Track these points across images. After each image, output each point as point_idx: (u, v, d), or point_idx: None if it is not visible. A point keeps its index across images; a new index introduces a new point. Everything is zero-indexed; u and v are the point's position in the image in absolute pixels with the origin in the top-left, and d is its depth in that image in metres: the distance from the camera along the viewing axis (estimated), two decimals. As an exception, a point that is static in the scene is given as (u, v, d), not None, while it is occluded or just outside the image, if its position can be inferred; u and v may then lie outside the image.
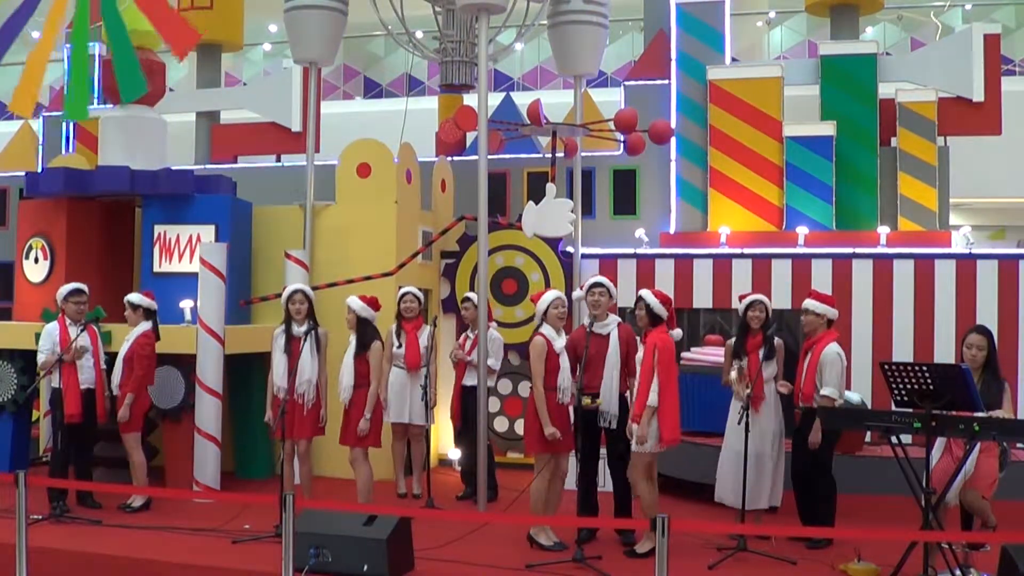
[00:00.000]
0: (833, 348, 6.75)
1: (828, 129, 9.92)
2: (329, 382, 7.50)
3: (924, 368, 5.58)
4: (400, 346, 8.22)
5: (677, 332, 6.62)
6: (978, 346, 6.07)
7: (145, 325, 7.86)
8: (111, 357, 7.97)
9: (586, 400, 6.56)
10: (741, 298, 7.29)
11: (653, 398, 6.34)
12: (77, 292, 7.84)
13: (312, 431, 7.38)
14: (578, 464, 6.77)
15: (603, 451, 6.99)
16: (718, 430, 7.50)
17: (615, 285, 7.06)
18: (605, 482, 7.13)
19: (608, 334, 6.77)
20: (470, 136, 10.56)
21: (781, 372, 7.04)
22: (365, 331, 7.31)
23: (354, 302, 7.36)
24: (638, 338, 6.73)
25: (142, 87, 8.77)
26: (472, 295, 8.40)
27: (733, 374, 7.01)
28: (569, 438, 6.59)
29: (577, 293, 7.16)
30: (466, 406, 8.14)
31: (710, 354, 8.69)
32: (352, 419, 7.25)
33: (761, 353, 6.95)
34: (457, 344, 8.46)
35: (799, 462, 6.92)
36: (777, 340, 7.03)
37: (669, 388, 6.38)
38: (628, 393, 6.74)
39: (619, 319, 6.86)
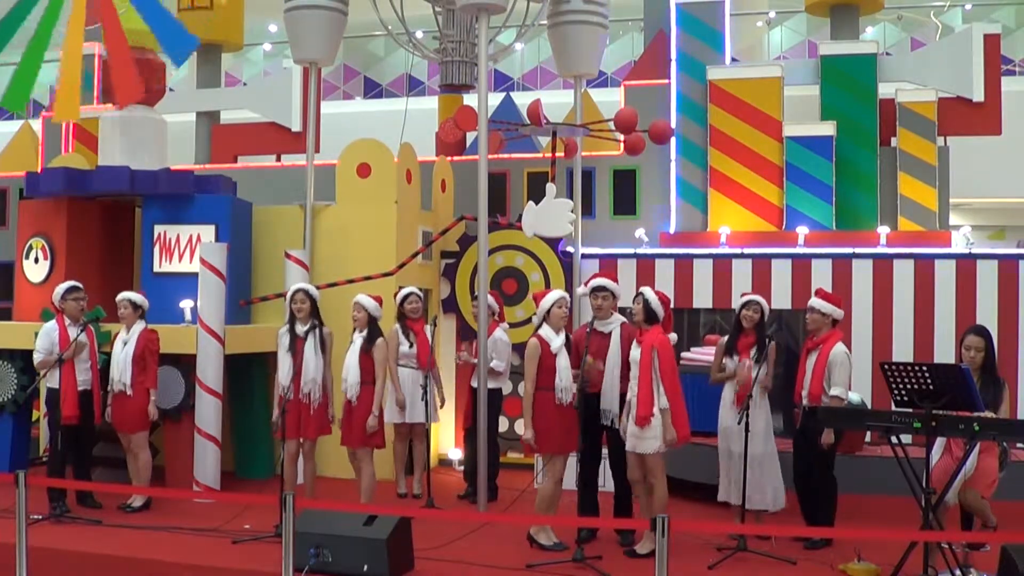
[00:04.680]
0: (841, 348, 6.77)
1: (828, 129, 9.92)
2: (334, 382, 7.51)
3: (924, 368, 5.58)
4: (412, 346, 8.22)
5: (672, 336, 6.61)
6: (976, 347, 6.07)
7: (141, 324, 7.86)
8: (104, 357, 7.96)
9: (589, 360, 6.57)
10: (743, 296, 7.30)
11: (664, 400, 6.34)
12: (74, 289, 7.84)
13: (319, 430, 7.39)
14: (578, 464, 6.77)
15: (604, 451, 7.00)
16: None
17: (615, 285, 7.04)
18: (605, 482, 7.14)
19: (610, 333, 6.77)
20: (470, 136, 10.56)
21: (770, 375, 7.04)
22: (374, 329, 7.33)
23: (367, 301, 7.38)
24: (615, 331, 6.73)
25: (23, 100, 8.81)
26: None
27: (730, 365, 6.98)
28: (572, 439, 6.58)
29: (581, 290, 7.15)
30: (476, 407, 8.12)
31: (710, 354, 8.66)
32: (356, 419, 7.24)
33: (752, 354, 6.94)
34: (467, 346, 8.47)
35: (801, 462, 6.92)
36: (770, 344, 7.02)
37: (674, 388, 6.39)
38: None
39: (623, 319, 6.85)
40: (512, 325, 9.53)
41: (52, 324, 7.77)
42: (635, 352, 6.52)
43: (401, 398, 8.19)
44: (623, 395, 6.68)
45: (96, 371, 7.80)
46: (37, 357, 7.70)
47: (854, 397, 7.81)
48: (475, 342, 8.31)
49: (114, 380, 7.76)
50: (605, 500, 7.04)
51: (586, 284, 6.96)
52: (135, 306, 7.89)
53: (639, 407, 6.41)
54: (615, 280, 6.94)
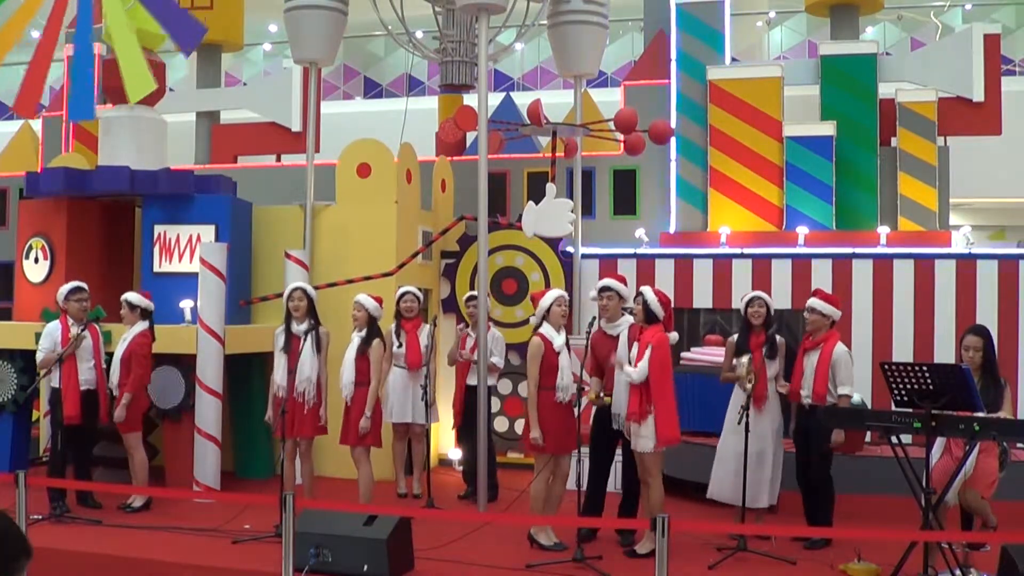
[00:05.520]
0: (843, 347, 6.81)
1: (828, 129, 9.92)
2: (329, 381, 7.51)
3: (924, 368, 5.58)
4: (401, 346, 8.23)
5: (674, 335, 6.59)
6: (975, 347, 6.08)
7: (142, 325, 7.85)
8: (108, 357, 7.96)
9: (593, 396, 6.57)
10: (746, 295, 7.30)
11: (632, 371, 6.31)
12: (78, 290, 7.83)
13: (313, 430, 7.39)
14: (579, 463, 6.76)
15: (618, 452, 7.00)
16: (718, 430, 7.48)
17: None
18: (615, 485, 7.14)
19: (618, 336, 6.76)
20: (470, 136, 10.56)
21: (782, 371, 7.04)
22: (372, 329, 7.33)
23: (367, 300, 7.36)
24: (624, 335, 6.70)
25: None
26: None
27: (742, 367, 6.96)
28: (571, 438, 6.58)
29: (592, 294, 7.16)
30: (469, 405, 8.12)
31: (710, 354, 8.68)
32: (353, 418, 7.25)
33: (764, 351, 6.94)
34: (457, 343, 8.45)
35: (803, 462, 6.92)
36: (779, 339, 7.04)
37: (665, 387, 6.35)
38: None
39: (632, 320, 6.84)
40: (512, 325, 9.55)
41: (55, 324, 7.77)
42: (633, 351, 6.52)
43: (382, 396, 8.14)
44: None
45: (100, 370, 7.80)
46: (40, 356, 7.71)
47: (854, 397, 7.81)
48: (466, 335, 8.31)
49: (111, 381, 7.78)
50: (610, 501, 7.03)
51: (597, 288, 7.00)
52: (131, 307, 7.87)
53: (630, 403, 6.42)
54: (624, 282, 6.94)
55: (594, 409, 7.00)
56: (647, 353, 6.30)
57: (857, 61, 10.14)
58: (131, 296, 7.94)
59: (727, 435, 7.12)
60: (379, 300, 7.48)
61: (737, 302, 7.32)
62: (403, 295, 8.33)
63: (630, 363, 6.49)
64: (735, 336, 7.20)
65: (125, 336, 7.82)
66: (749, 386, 6.75)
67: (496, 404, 9.70)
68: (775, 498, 7.05)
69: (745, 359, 6.89)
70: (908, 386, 5.62)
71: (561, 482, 6.73)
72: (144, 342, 7.79)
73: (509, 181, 10.62)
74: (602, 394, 6.75)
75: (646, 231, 9.97)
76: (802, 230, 9.61)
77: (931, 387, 5.53)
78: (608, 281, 6.88)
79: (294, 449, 7.38)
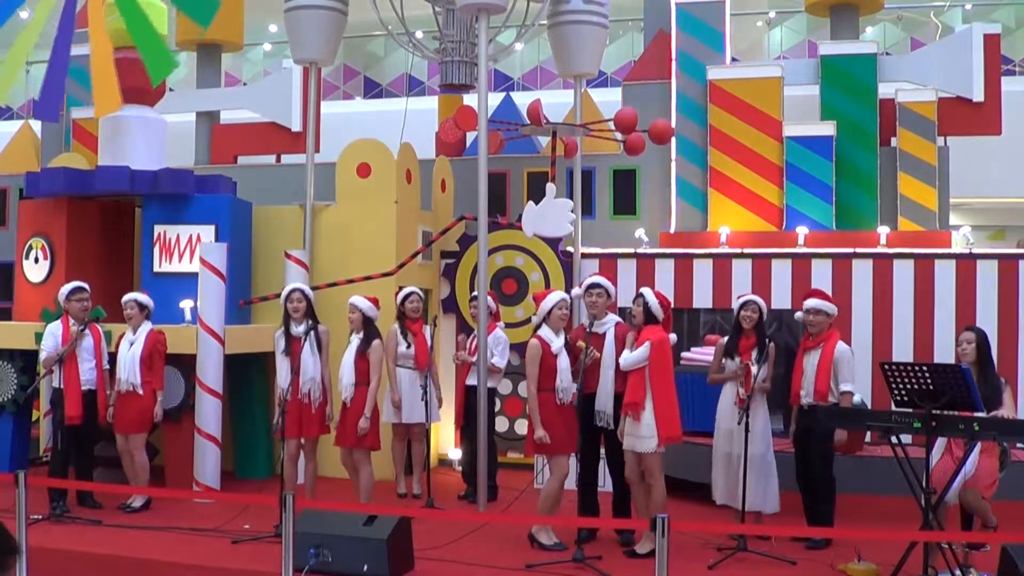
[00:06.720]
0: (845, 345, 6.81)
1: (828, 129, 9.93)
2: (332, 380, 7.51)
3: (924, 368, 5.58)
4: (410, 347, 8.22)
5: (672, 337, 6.61)
6: (967, 340, 6.13)
7: (149, 324, 7.87)
8: (111, 357, 7.96)
9: (581, 344, 6.56)
10: (740, 297, 7.31)
11: (627, 354, 6.34)
12: (79, 290, 7.85)
13: (320, 429, 7.40)
14: (578, 464, 6.77)
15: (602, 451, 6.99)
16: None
17: (615, 285, 7.05)
18: (604, 482, 7.14)
19: (605, 333, 6.77)
20: (470, 136, 10.56)
21: (771, 375, 7.03)
22: (370, 330, 7.33)
23: (361, 301, 7.36)
24: (630, 335, 6.70)
25: (170, 64, 8.69)
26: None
27: (730, 366, 6.98)
28: (573, 439, 6.58)
29: (576, 291, 7.15)
30: (470, 405, 8.12)
31: (709, 354, 8.66)
32: (351, 419, 7.24)
33: (753, 355, 6.94)
34: (463, 339, 8.46)
35: (802, 462, 6.92)
36: (772, 346, 7.02)
37: (665, 385, 6.36)
38: None
39: (618, 319, 6.86)
40: (512, 325, 9.54)
41: (57, 324, 7.79)
42: (628, 349, 6.53)
43: (396, 398, 8.19)
44: (618, 395, 6.66)
45: (101, 371, 7.80)
46: (43, 356, 7.72)
47: (855, 397, 7.80)
48: (471, 339, 8.31)
49: (121, 380, 7.74)
50: (605, 500, 7.04)
51: (581, 285, 6.96)
52: (141, 307, 7.89)
53: (627, 395, 6.41)
54: (614, 280, 6.94)
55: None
56: (646, 344, 6.31)
57: (857, 61, 10.14)
58: (141, 297, 7.97)
59: (715, 438, 7.13)
60: (374, 300, 7.47)
61: (735, 303, 7.31)
62: (408, 295, 8.32)
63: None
64: (725, 338, 7.21)
65: (133, 338, 7.80)
66: (742, 391, 6.79)
67: (496, 404, 9.68)
68: (775, 505, 7.01)
69: (738, 369, 6.95)
70: (908, 386, 5.63)
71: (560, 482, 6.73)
72: (163, 339, 7.84)
73: (509, 181, 10.62)
74: (591, 350, 6.65)
75: (646, 231, 9.97)
76: (802, 230, 9.61)
77: (931, 387, 5.54)
78: (596, 278, 6.88)
79: (297, 450, 7.39)
